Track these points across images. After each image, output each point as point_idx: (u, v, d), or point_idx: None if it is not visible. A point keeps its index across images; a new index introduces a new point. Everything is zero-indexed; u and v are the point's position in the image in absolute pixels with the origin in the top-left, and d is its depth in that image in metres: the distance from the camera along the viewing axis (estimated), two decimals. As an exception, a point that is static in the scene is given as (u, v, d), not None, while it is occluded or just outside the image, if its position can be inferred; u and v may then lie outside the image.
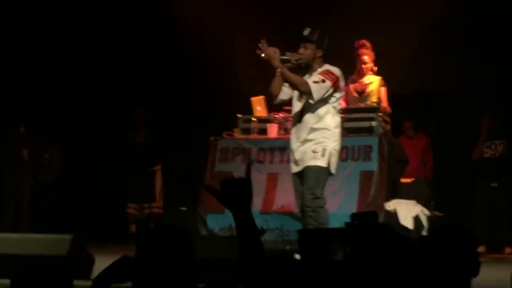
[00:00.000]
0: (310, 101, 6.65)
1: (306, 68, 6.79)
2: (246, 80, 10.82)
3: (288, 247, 8.13)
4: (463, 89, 10.29)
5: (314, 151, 6.62)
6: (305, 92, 6.64)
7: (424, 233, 8.61)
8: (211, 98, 10.74)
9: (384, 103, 8.74)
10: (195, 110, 10.73)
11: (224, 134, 8.90)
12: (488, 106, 10.00)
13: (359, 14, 10.39)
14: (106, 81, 11.15)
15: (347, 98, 8.84)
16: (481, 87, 10.04)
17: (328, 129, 6.67)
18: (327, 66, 6.75)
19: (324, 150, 6.61)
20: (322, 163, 6.62)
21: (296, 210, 8.19)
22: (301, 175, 6.73)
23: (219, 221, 8.50)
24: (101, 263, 4.88)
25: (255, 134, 8.82)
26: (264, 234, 8.32)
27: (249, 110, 8.88)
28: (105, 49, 11.12)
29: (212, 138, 8.87)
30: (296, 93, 6.80)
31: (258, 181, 8.54)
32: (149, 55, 11.04)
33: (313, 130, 6.69)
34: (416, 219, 8.55)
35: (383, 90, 8.83)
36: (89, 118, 10.96)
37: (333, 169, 6.72)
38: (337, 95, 6.75)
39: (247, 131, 8.86)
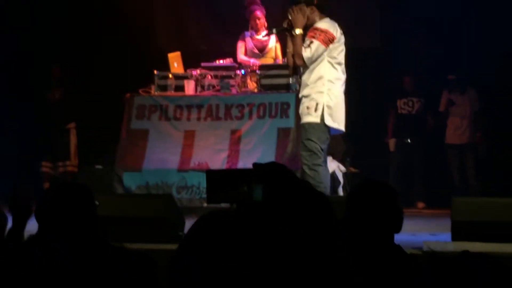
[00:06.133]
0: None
1: (307, 29, 6.51)
2: (162, 36, 10.68)
3: (205, 205, 8.13)
4: (381, 47, 10.37)
5: (307, 107, 6.49)
6: (299, 65, 6.50)
7: (340, 189, 8.73)
8: (126, 54, 10.57)
9: (280, 60, 8.85)
10: (110, 67, 10.54)
11: (140, 91, 8.79)
12: (408, 65, 10.14)
13: None
14: (19, 38, 10.85)
15: (247, 53, 8.99)
16: (401, 46, 10.13)
17: (322, 84, 6.48)
18: (320, 23, 6.50)
19: (317, 105, 6.46)
20: (315, 118, 6.46)
21: (214, 167, 8.20)
22: None
23: (136, 179, 8.44)
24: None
25: (172, 91, 8.73)
26: (182, 192, 8.31)
27: (165, 66, 8.78)
28: (18, 7, 10.81)
29: (128, 95, 8.74)
30: None
31: (175, 138, 8.50)
32: (63, 12, 10.76)
33: (306, 86, 6.53)
34: (332, 176, 8.65)
35: (278, 46, 9.00)
36: (1, 76, 10.66)
37: (329, 123, 6.48)
38: (332, 46, 6.48)
39: (163, 88, 8.76)
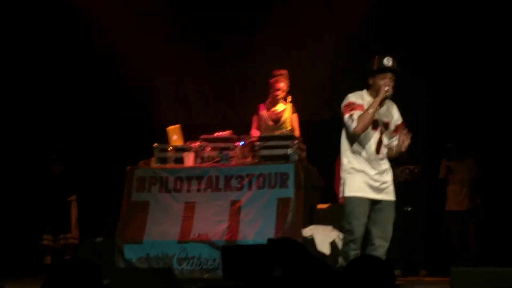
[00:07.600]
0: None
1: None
2: (161, 110, 10.80)
3: (206, 276, 8.12)
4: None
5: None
6: None
7: (341, 258, 8.70)
8: (127, 128, 10.67)
9: (297, 130, 8.87)
10: (111, 140, 10.64)
11: (140, 164, 8.85)
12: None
13: (274, 41, 10.48)
14: (20, 110, 10.98)
15: (261, 126, 8.98)
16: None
17: None
18: None
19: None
20: None
21: (214, 238, 8.21)
22: (377, 204, 6.67)
23: (137, 251, 8.43)
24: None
25: (171, 163, 8.79)
26: (183, 263, 8.30)
27: (165, 139, 8.86)
28: (21, 76, 10.96)
29: (129, 167, 8.81)
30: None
31: (175, 209, 8.52)
32: (64, 86, 10.91)
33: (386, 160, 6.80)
34: (333, 245, 8.65)
35: (295, 117, 8.97)
36: (2, 147, 10.75)
37: None
38: None
39: (163, 160, 8.83)
